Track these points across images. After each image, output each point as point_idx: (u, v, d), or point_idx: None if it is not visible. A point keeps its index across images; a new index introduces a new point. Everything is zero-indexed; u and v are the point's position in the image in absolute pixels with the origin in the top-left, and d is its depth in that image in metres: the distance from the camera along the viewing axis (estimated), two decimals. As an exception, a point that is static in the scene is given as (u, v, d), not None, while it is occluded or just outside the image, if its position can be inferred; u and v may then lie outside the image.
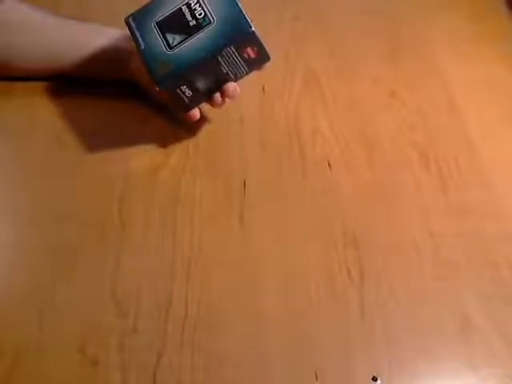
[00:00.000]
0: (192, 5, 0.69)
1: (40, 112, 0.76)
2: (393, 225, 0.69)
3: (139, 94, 0.77)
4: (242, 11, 0.68)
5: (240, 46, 0.67)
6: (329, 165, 0.74)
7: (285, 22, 0.94)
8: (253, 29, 0.67)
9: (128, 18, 0.71)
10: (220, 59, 0.68)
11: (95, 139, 0.74)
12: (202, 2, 0.68)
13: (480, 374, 0.58)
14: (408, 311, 0.62)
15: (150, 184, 0.70)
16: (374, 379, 0.57)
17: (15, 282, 0.62)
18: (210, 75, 0.69)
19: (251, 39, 0.67)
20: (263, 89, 0.82)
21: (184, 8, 0.69)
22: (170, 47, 0.68)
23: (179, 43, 0.68)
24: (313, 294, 0.62)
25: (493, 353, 0.60)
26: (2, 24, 0.75)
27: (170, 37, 0.69)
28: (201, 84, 0.69)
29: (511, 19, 0.98)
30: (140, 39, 0.70)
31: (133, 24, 0.71)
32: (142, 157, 0.72)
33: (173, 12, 0.70)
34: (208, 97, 0.71)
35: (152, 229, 0.66)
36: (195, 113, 0.72)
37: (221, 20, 0.68)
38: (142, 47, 0.69)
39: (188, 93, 0.70)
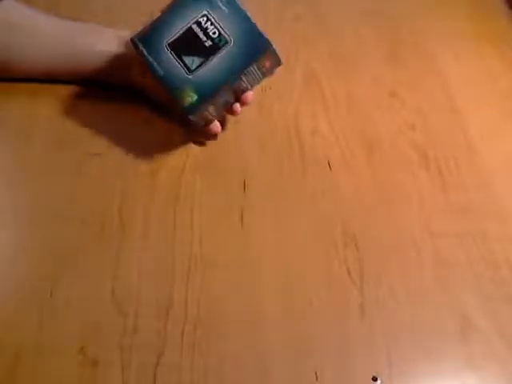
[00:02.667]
0: (202, 23, 0.68)
1: (40, 112, 0.76)
2: (393, 225, 0.69)
3: (139, 94, 0.76)
4: (255, 26, 0.67)
5: (261, 61, 0.68)
6: (329, 165, 0.74)
7: (285, 22, 0.94)
8: (273, 45, 0.67)
9: (135, 39, 0.69)
10: (243, 77, 0.68)
11: (95, 139, 0.73)
12: (212, 20, 0.67)
13: (480, 373, 0.58)
14: (408, 311, 0.62)
15: (150, 184, 0.70)
16: (374, 379, 0.57)
17: (15, 281, 0.62)
18: (232, 91, 0.70)
19: (271, 53, 0.68)
20: (263, 89, 0.82)
21: (195, 27, 0.68)
22: (190, 71, 0.67)
23: (199, 66, 0.67)
24: (313, 294, 0.62)
25: (493, 353, 0.60)
26: (3, 24, 0.75)
27: (187, 59, 0.68)
28: (222, 99, 0.70)
29: (511, 19, 0.98)
30: (155, 64, 0.68)
31: (144, 49, 0.68)
32: (142, 157, 0.72)
33: (184, 32, 0.68)
34: (226, 107, 0.72)
35: (152, 229, 0.66)
36: (216, 125, 0.73)
37: (238, 39, 0.67)
38: (161, 74, 0.68)
39: (212, 110, 0.70)
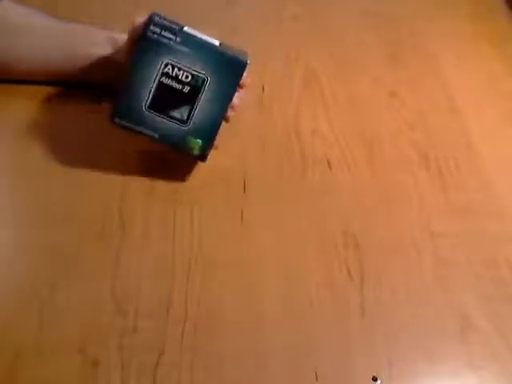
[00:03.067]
0: (170, 72, 0.64)
1: (41, 113, 0.76)
2: (393, 225, 0.69)
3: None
4: (223, 50, 0.65)
5: (242, 77, 0.66)
6: (329, 165, 0.74)
7: (284, 22, 0.94)
8: (248, 60, 0.65)
9: (115, 120, 0.66)
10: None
11: (95, 140, 0.73)
12: (178, 65, 0.64)
13: (480, 373, 0.58)
14: (408, 311, 0.62)
15: (150, 184, 0.70)
16: (374, 379, 0.57)
17: (15, 282, 0.62)
18: None
19: (248, 66, 0.66)
20: (263, 89, 0.82)
21: (164, 80, 0.64)
22: (184, 122, 0.66)
23: (190, 114, 0.66)
24: (313, 294, 0.62)
25: (493, 353, 0.60)
26: (2, 24, 0.75)
27: (175, 113, 0.66)
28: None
29: (511, 19, 0.98)
30: (147, 131, 0.66)
31: (128, 124, 0.66)
32: (142, 157, 0.72)
33: (156, 88, 0.65)
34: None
35: (152, 229, 0.66)
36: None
37: (214, 71, 0.65)
38: (157, 137, 0.66)
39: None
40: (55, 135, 0.74)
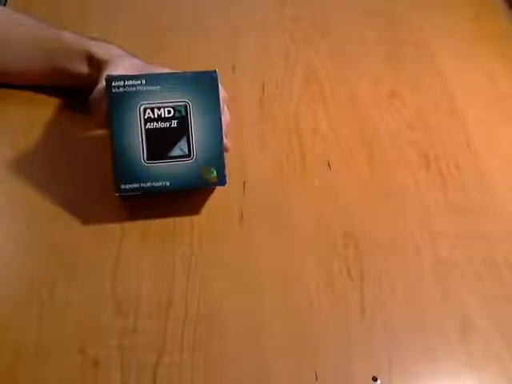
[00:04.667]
0: (151, 115, 0.62)
1: (41, 114, 0.76)
2: (393, 225, 0.69)
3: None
4: (192, 73, 0.64)
5: (218, 86, 0.65)
6: (329, 165, 0.74)
7: (285, 21, 0.94)
8: (216, 70, 0.64)
9: (121, 187, 0.63)
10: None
11: (94, 141, 0.73)
12: (155, 105, 0.63)
13: (480, 373, 0.58)
14: (408, 311, 0.62)
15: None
16: (374, 379, 0.57)
17: (15, 282, 0.62)
18: None
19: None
20: (263, 89, 0.82)
21: (149, 125, 0.63)
22: (189, 156, 0.64)
23: (190, 145, 0.64)
24: (313, 293, 0.62)
25: (493, 353, 0.60)
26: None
27: (176, 151, 0.63)
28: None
29: (511, 19, 0.98)
30: (158, 184, 0.63)
31: (136, 185, 0.63)
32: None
33: (146, 137, 0.63)
34: None
35: (152, 229, 0.66)
36: None
37: (190, 93, 0.63)
38: (169, 185, 0.64)
39: None
40: (56, 136, 0.74)
